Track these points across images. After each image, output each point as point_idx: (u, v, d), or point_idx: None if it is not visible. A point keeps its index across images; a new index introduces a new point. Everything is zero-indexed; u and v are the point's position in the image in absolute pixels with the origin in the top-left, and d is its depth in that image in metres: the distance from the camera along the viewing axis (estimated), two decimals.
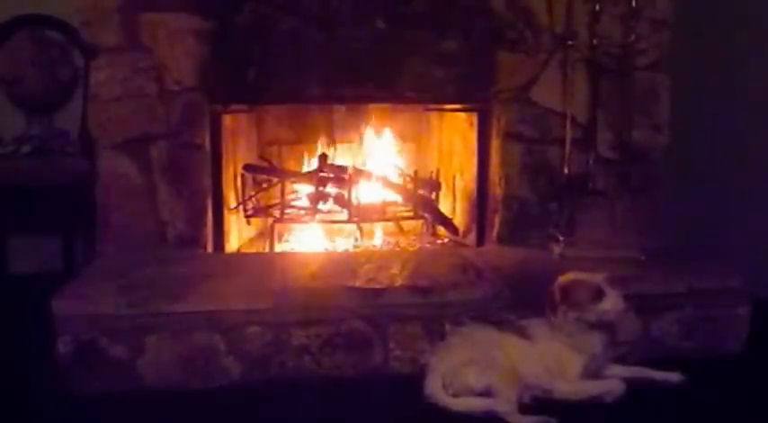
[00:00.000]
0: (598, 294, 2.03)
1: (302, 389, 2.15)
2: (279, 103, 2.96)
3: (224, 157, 2.76)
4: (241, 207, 2.94)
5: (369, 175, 3.04)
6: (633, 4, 2.68)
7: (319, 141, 3.22)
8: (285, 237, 3.11)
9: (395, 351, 2.23)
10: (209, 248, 2.70)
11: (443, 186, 3.17)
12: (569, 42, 2.70)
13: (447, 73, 2.72)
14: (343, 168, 3.00)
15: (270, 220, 2.96)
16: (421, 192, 3.06)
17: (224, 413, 2.04)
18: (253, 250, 3.01)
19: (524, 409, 1.94)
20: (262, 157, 3.13)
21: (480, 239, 2.92)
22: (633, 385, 2.06)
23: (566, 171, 2.74)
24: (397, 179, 3.17)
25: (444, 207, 3.17)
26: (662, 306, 2.36)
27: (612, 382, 2.06)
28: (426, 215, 3.09)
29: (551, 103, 2.76)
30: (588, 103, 2.77)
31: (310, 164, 3.14)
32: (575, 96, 2.73)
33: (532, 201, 2.81)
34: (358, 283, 2.29)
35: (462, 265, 2.53)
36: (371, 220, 3.10)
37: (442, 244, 3.13)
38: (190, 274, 2.35)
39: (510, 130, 2.78)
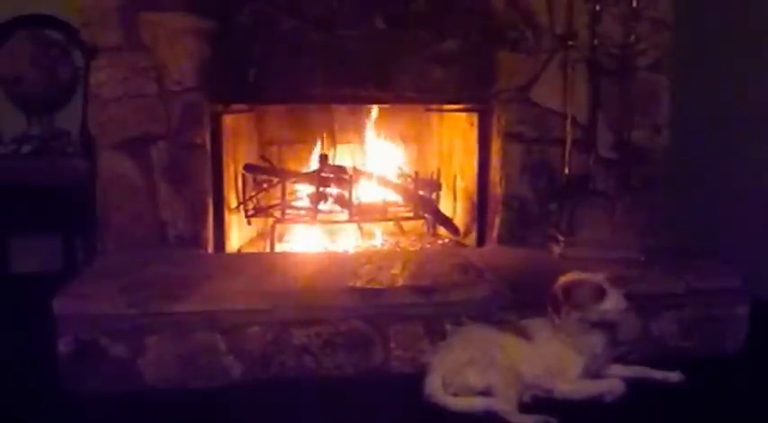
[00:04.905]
0: (600, 294, 2.03)
1: (302, 389, 2.15)
2: (279, 103, 2.96)
3: (224, 157, 2.75)
4: (242, 207, 2.94)
5: (369, 176, 3.04)
6: (634, 4, 2.67)
7: (319, 141, 3.22)
8: (286, 237, 3.11)
9: (395, 351, 2.24)
10: (210, 248, 2.70)
11: (444, 186, 3.17)
12: (570, 42, 2.70)
13: (447, 73, 2.72)
14: (343, 169, 3.00)
15: (270, 221, 2.96)
16: (421, 192, 3.06)
17: (224, 413, 2.04)
18: (253, 250, 3.01)
19: (524, 408, 1.94)
20: (262, 158, 3.13)
21: (481, 239, 2.92)
22: (633, 385, 2.06)
23: (566, 171, 2.74)
24: (397, 179, 3.17)
25: (445, 207, 3.17)
26: (662, 306, 2.36)
27: (612, 381, 2.06)
28: (427, 215, 3.09)
29: (551, 104, 2.76)
30: (588, 103, 2.77)
31: (311, 164, 3.14)
32: (575, 96, 2.73)
33: (532, 201, 2.81)
34: (359, 284, 2.29)
35: (463, 265, 2.52)
36: (372, 221, 3.10)
37: (443, 244, 3.13)
38: (190, 274, 2.35)
39: (510, 130, 2.78)
